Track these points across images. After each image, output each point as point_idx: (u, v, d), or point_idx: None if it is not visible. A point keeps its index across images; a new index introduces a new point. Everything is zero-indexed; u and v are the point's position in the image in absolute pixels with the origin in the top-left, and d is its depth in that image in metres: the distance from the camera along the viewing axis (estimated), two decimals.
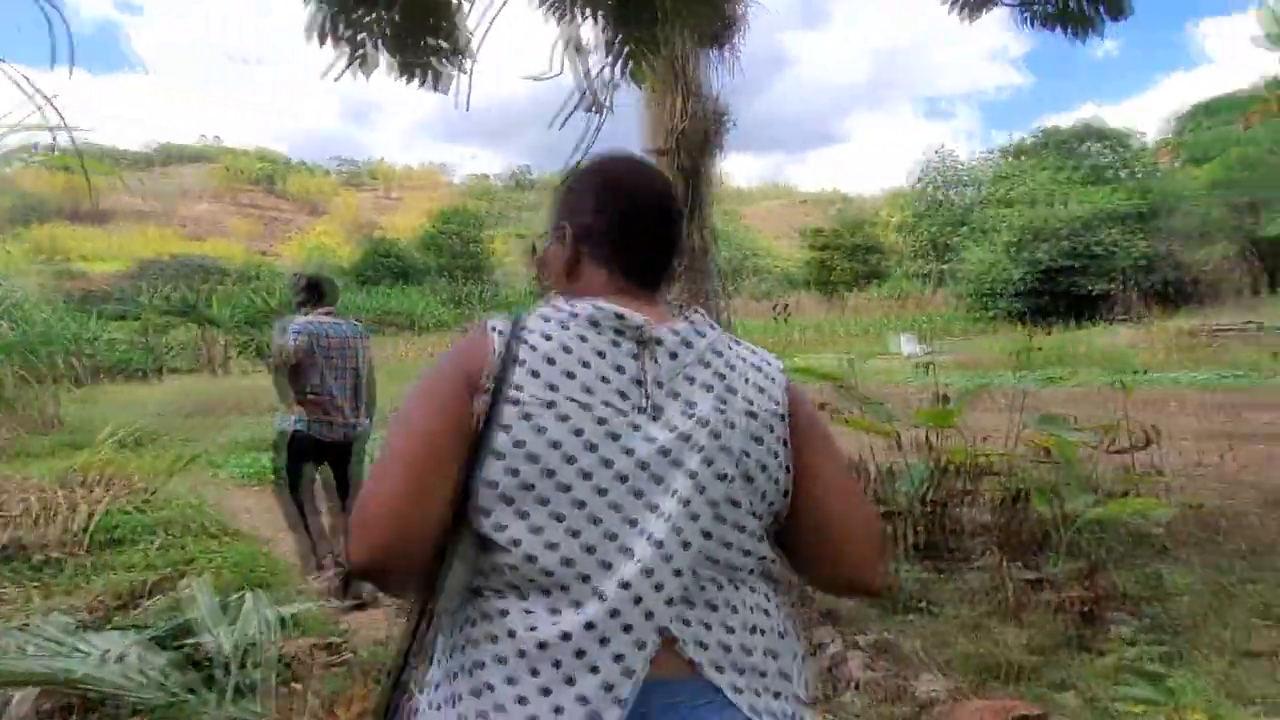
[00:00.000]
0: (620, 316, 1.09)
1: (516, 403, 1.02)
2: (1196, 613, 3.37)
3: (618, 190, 1.22)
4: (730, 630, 1.06)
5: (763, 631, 1.10)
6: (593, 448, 1.02)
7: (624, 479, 1.03)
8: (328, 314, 4.75)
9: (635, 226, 1.20)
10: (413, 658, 1.05)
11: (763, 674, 1.08)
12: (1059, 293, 30.17)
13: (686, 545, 1.02)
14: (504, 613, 1.02)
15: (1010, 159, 41.33)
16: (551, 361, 1.05)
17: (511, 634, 1.00)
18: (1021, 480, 4.18)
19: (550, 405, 1.02)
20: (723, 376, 1.11)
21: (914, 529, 4.35)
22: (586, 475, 1.02)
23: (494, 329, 1.09)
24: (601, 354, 1.07)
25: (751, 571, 1.11)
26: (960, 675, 3.16)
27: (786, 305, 32.68)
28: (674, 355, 1.10)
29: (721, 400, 1.09)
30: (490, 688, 0.99)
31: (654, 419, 1.06)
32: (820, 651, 3.23)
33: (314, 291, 4.86)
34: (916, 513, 4.31)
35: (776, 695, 1.09)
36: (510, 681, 0.99)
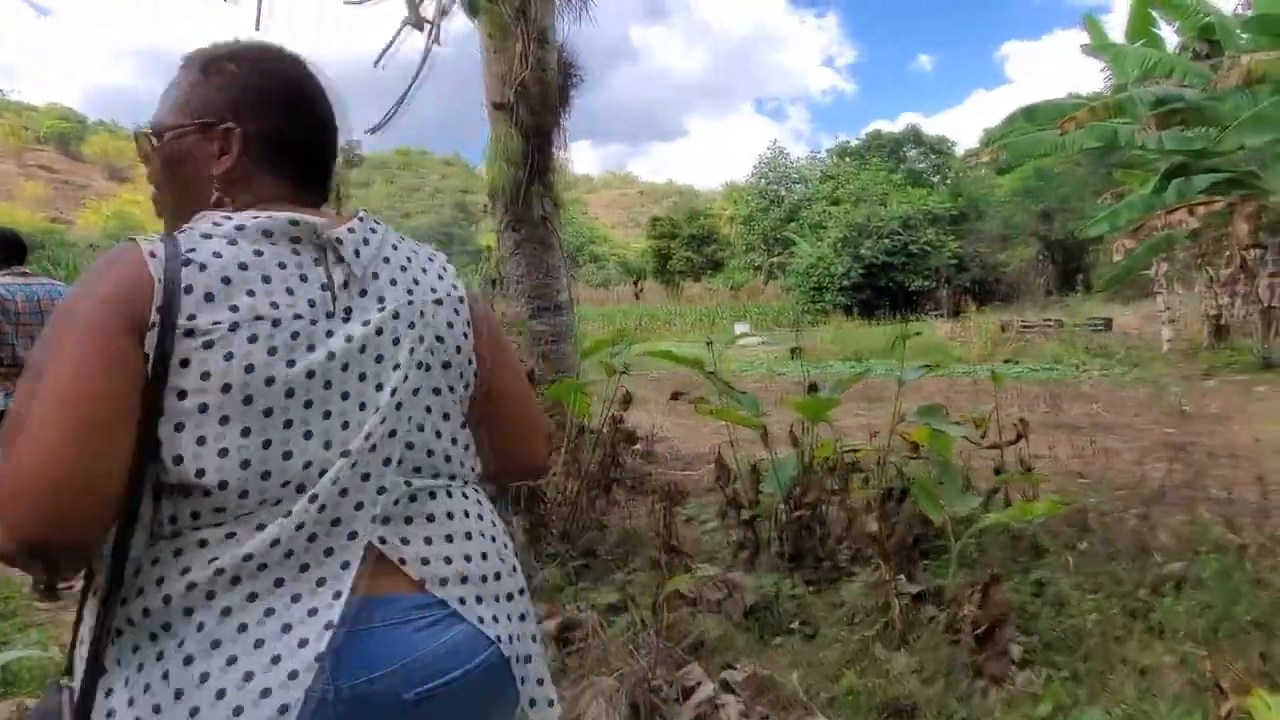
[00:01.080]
0: (295, 223, 1.01)
1: (192, 333, 0.91)
2: (1092, 630, 3.02)
3: (287, 88, 1.09)
4: (450, 540, 1.04)
5: (484, 537, 1.09)
6: (290, 363, 0.95)
7: (328, 385, 0.98)
8: (21, 275, 4.08)
9: (310, 130, 1.11)
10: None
11: (487, 580, 1.06)
12: (881, 287, 31.51)
13: (394, 434, 1.01)
14: (203, 544, 0.92)
15: (838, 159, 42.98)
16: (227, 281, 0.94)
17: (210, 568, 0.91)
18: (896, 479, 3.76)
19: (235, 328, 0.93)
20: (404, 268, 1.09)
21: (781, 535, 3.84)
22: (289, 392, 0.95)
23: (150, 254, 0.92)
24: (282, 264, 0.99)
25: (458, 474, 1.10)
26: (850, 714, 2.64)
27: (640, 285, 32.50)
28: (356, 253, 1.04)
29: (408, 291, 1.07)
30: (188, 628, 0.89)
31: (345, 320, 1.01)
32: (688, 698, 2.62)
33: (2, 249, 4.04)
34: (784, 517, 3.80)
35: (508, 599, 1.08)
36: (201, 628, 0.89)
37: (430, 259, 1.14)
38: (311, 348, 0.96)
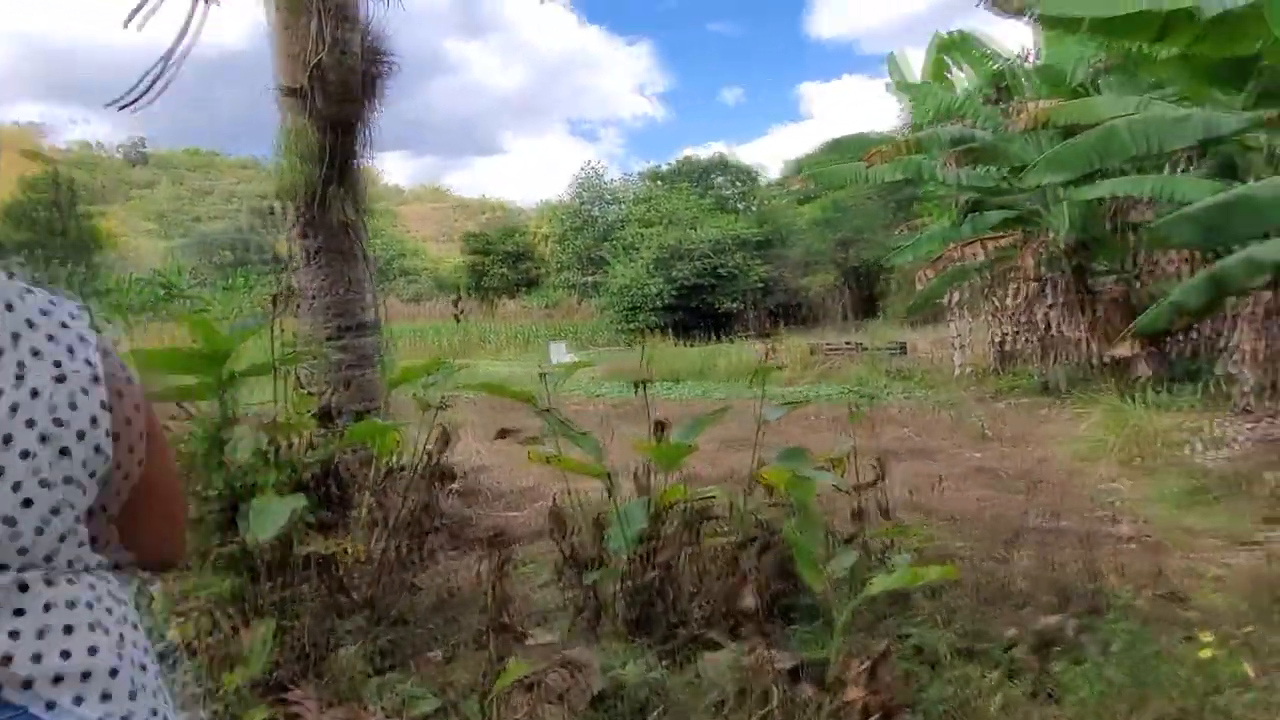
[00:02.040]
0: None
1: None
2: (984, 701, 2.65)
3: None
4: (41, 635, 0.90)
5: (95, 630, 0.94)
6: None
7: None
8: None
9: None
10: None
11: (91, 678, 0.92)
12: (693, 308, 32.01)
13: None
14: None
15: (650, 182, 43.59)
16: None
17: None
18: (757, 530, 3.31)
19: None
20: (17, 337, 0.91)
21: (628, 598, 3.27)
22: None
23: None
24: None
25: (74, 563, 0.96)
26: None
27: (460, 304, 31.11)
28: None
29: (19, 365, 0.90)
30: None
31: None
32: None
33: None
34: (631, 579, 3.23)
35: (130, 697, 0.96)
36: None
37: (64, 324, 0.96)
38: None
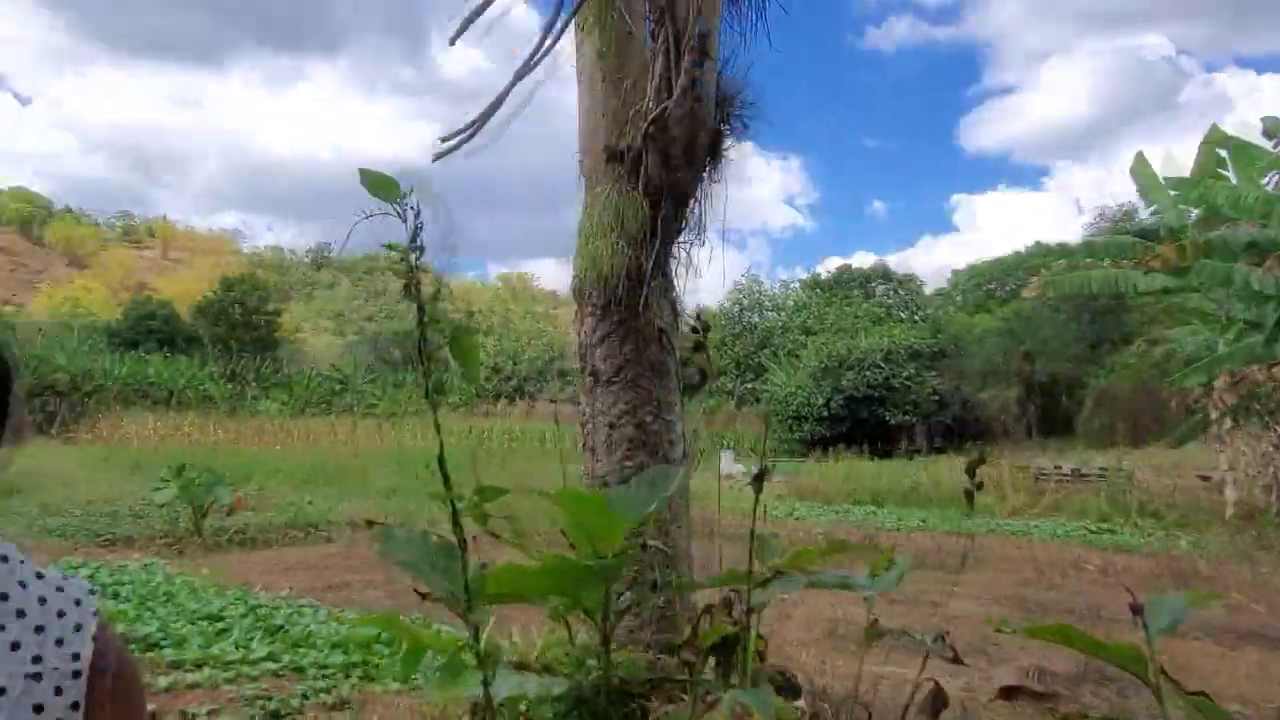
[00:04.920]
0: None
1: None
2: None
3: None
4: None
5: None
6: None
7: None
8: None
9: None
10: None
11: None
12: (861, 420, 29.82)
13: None
14: None
15: (809, 290, 42.25)
16: None
17: None
18: None
19: None
20: (2, 628, 0.87)
21: None
22: None
23: None
24: None
25: None
26: None
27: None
28: None
29: None
30: None
31: None
32: None
33: None
34: None
35: None
36: None
37: (61, 613, 0.91)
38: None
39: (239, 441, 21.85)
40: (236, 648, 4.69)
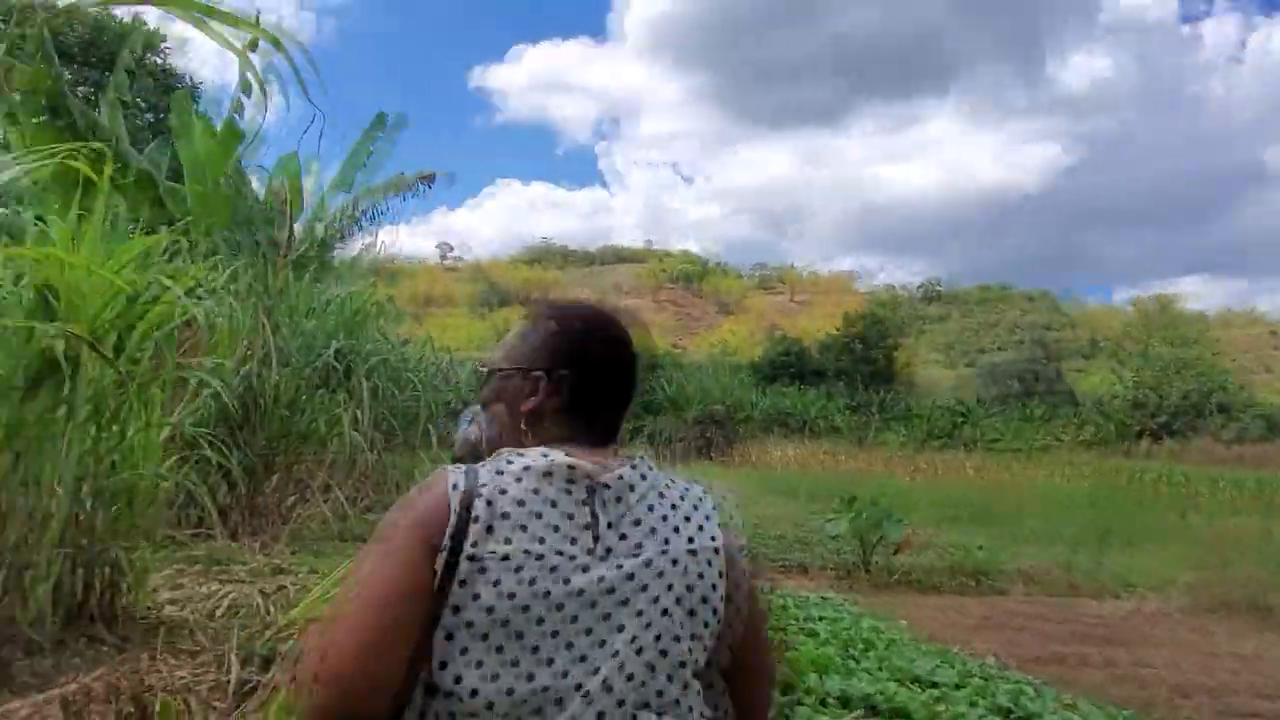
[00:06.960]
0: (571, 467, 1.12)
1: (473, 559, 1.05)
2: None
3: (593, 350, 1.24)
4: None
5: None
6: (545, 594, 1.05)
7: (574, 619, 1.05)
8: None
9: (605, 385, 1.24)
10: None
11: None
12: None
13: (630, 678, 1.05)
14: None
15: None
16: (506, 516, 1.07)
17: None
18: None
19: (505, 559, 1.05)
20: (665, 518, 1.15)
21: None
22: (539, 620, 1.04)
23: (453, 486, 1.09)
24: (554, 503, 1.10)
25: (691, 710, 1.11)
26: None
27: None
28: (619, 499, 1.13)
29: (665, 540, 1.13)
30: None
31: (603, 560, 1.09)
32: None
33: None
34: None
35: None
36: None
37: (695, 506, 1.18)
38: (566, 581, 1.06)
39: (868, 470, 22.09)
40: None
